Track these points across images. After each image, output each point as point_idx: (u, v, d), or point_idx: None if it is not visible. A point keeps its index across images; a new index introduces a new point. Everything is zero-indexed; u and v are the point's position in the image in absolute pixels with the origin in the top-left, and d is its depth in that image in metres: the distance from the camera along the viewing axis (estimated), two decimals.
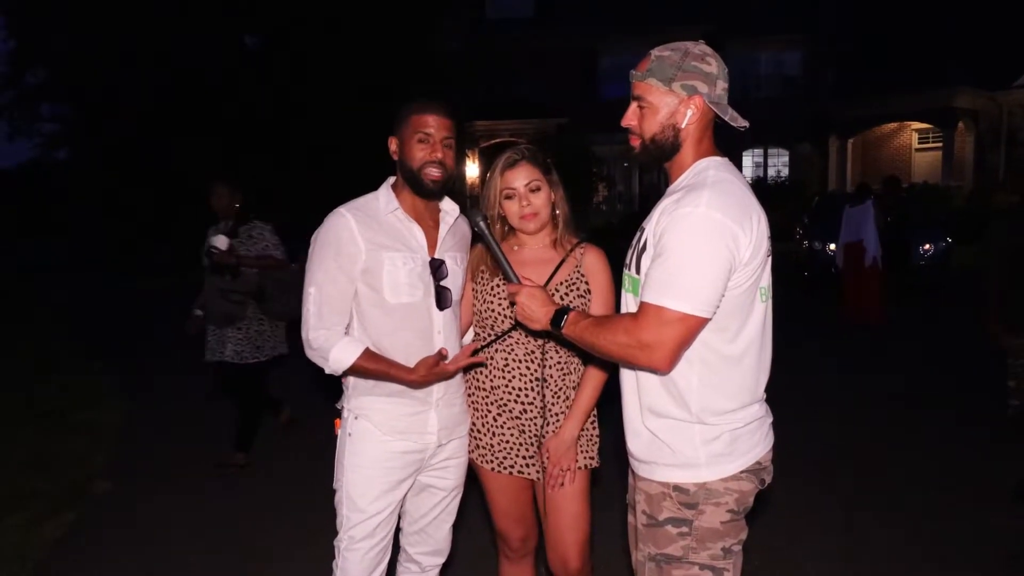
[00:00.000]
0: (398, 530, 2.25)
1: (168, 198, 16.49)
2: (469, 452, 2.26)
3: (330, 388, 2.28)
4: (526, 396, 2.18)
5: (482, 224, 1.97)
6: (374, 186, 2.15)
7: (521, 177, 2.16)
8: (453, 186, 2.17)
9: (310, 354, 2.05)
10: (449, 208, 2.19)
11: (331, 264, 2.01)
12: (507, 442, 2.21)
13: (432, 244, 2.12)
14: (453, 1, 20.09)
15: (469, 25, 21.43)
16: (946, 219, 12.56)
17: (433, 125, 2.03)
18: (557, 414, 2.19)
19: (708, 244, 1.52)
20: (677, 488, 1.66)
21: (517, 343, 2.17)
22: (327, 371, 2.04)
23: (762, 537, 3.01)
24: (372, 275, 2.02)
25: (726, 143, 1.68)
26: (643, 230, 1.69)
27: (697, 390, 1.63)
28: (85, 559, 3.42)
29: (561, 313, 1.73)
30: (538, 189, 2.17)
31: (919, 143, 21.58)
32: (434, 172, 2.04)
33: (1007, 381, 4.50)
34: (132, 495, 4.15)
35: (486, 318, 2.21)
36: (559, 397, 2.20)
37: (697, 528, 1.65)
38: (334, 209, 2.07)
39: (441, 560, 2.34)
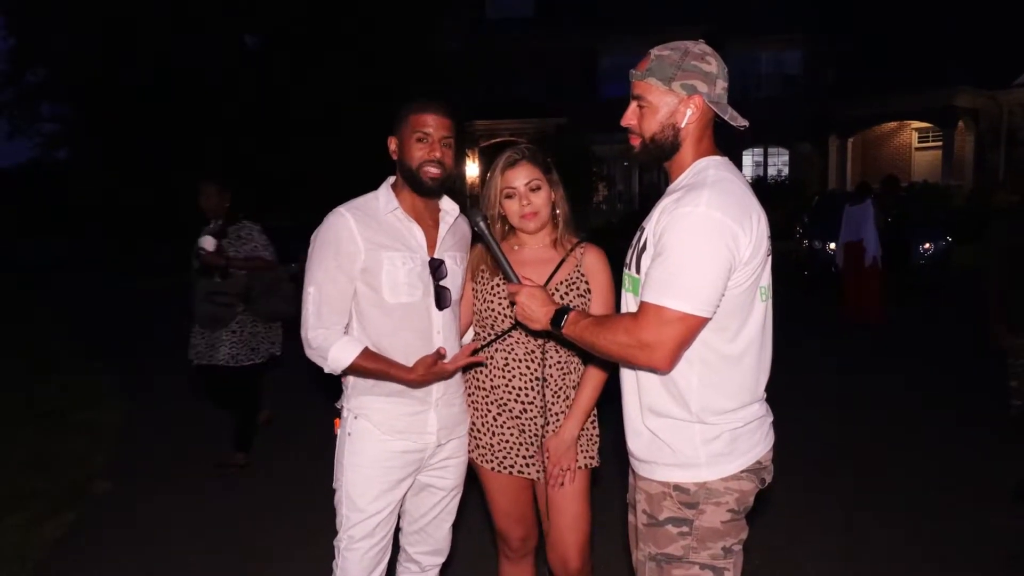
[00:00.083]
0: (398, 530, 2.24)
1: (168, 198, 16.50)
2: (469, 452, 2.26)
3: (330, 388, 2.28)
4: (526, 396, 2.18)
5: (482, 224, 1.97)
6: (374, 186, 2.15)
7: (521, 176, 2.16)
8: (453, 185, 2.17)
9: (309, 353, 2.05)
10: (449, 208, 2.18)
11: (331, 263, 2.01)
12: (507, 442, 2.21)
13: (432, 244, 2.11)
14: (453, 1, 20.10)
15: (469, 25, 21.45)
16: (946, 218, 12.57)
17: (432, 124, 2.03)
18: (557, 414, 2.19)
19: (708, 243, 1.51)
20: (677, 488, 1.66)
21: (517, 343, 2.17)
22: (326, 370, 2.04)
23: (762, 537, 3.01)
24: (371, 275, 2.02)
25: (726, 142, 1.67)
26: (643, 229, 1.69)
27: (697, 390, 1.63)
28: (85, 559, 3.42)
29: (561, 313, 1.73)
30: (538, 188, 2.17)
31: (919, 142, 21.60)
32: (433, 171, 2.04)
33: (1008, 381, 4.50)
34: (132, 495, 4.15)
35: (486, 317, 2.21)
36: (559, 397, 2.20)
37: (697, 528, 1.65)
38: (334, 209, 2.07)
39: (441, 560, 2.34)
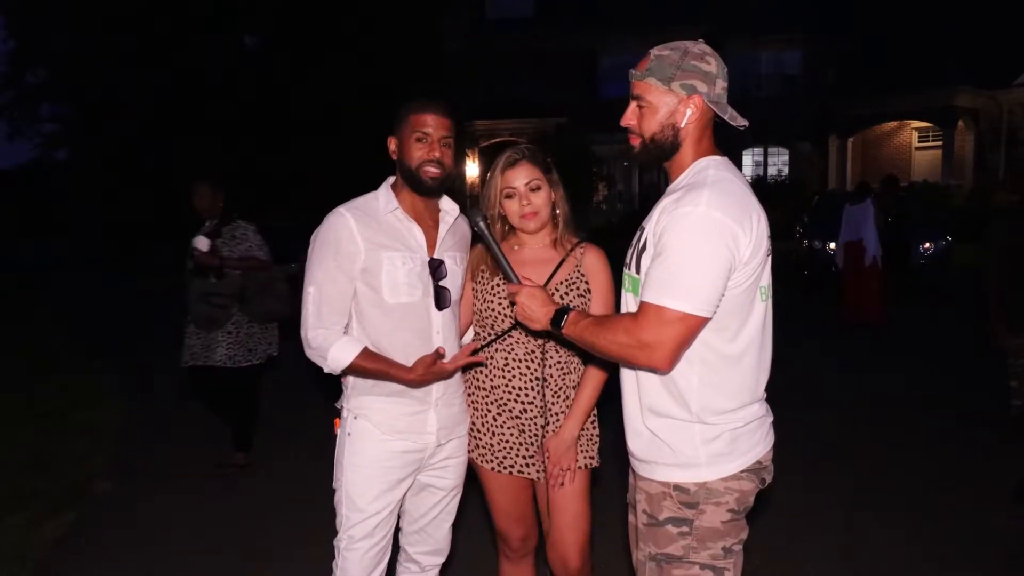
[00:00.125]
0: (398, 530, 2.25)
1: (168, 198, 16.49)
2: (469, 452, 2.26)
3: (330, 388, 2.28)
4: (526, 396, 2.18)
5: (482, 224, 1.97)
6: (374, 186, 2.15)
7: (521, 176, 2.16)
8: (453, 185, 2.17)
9: (309, 353, 2.05)
10: (449, 208, 2.18)
11: (330, 263, 2.01)
12: (507, 442, 2.21)
13: (431, 244, 2.11)
14: (453, 1, 20.10)
15: (469, 25, 21.46)
16: (946, 218, 12.56)
17: (431, 124, 2.03)
18: (557, 414, 2.19)
19: (708, 243, 1.51)
20: (677, 488, 1.66)
21: (517, 342, 2.17)
22: (326, 370, 2.04)
23: (762, 537, 3.01)
24: (371, 275, 2.02)
25: (726, 142, 1.67)
26: (643, 229, 1.69)
27: (697, 390, 1.63)
28: (85, 559, 3.42)
29: (561, 313, 1.73)
30: (538, 188, 2.17)
31: (919, 142, 21.60)
32: (432, 171, 2.04)
33: (1009, 381, 4.50)
34: (132, 495, 4.15)
35: (486, 317, 2.21)
36: (559, 397, 2.20)
37: (698, 528, 1.65)
38: (334, 209, 2.07)
39: (441, 560, 2.34)
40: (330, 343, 2.00)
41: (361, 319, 2.07)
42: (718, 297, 1.55)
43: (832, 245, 9.68)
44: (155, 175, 17.08)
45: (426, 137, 2.04)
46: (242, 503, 4.01)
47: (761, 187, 17.94)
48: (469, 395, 2.26)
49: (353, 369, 2.01)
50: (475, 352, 2.16)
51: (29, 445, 5.03)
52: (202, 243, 4.11)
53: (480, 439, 2.24)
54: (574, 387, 2.21)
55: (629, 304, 1.73)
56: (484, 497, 2.32)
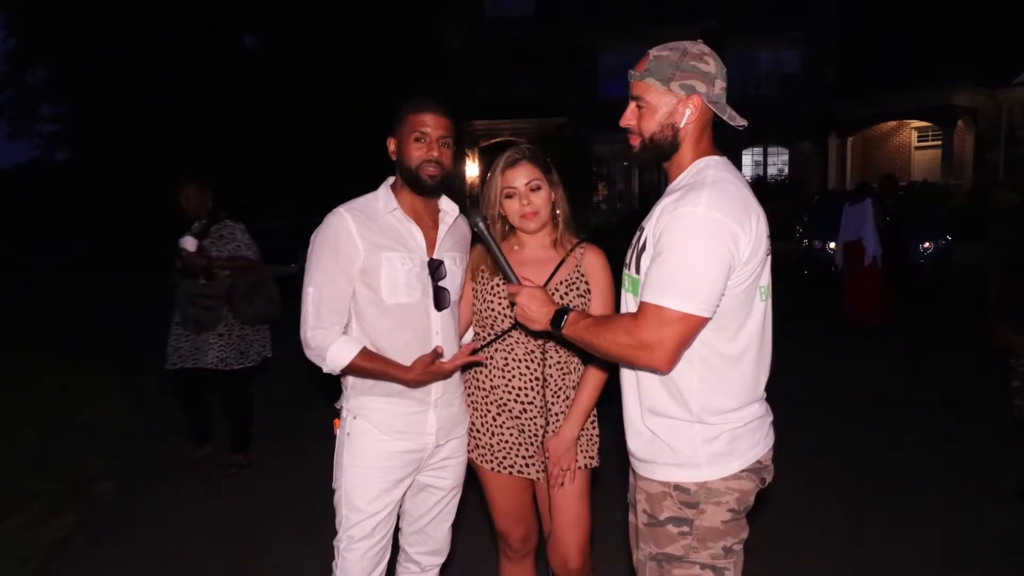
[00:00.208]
0: (397, 530, 2.25)
1: (168, 198, 16.50)
2: (469, 452, 2.26)
3: (329, 388, 2.28)
4: (526, 396, 2.18)
5: (481, 224, 1.97)
6: (374, 186, 2.15)
7: (522, 176, 2.16)
8: (452, 185, 2.17)
9: (308, 353, 2.05)
10: (448, 208, 2.18)
11: (330, 264, 2.01)
12: (507, 442, 2.21)
13: (431, 244, 2.12)
14: (453, 1, 20.10)
15: (469, 25, 21.44)
16: (946, 217, 12.55)
17: (430, 124, 2.04)
18: (557, 414, 2.19)
19: (708, 243, 1.51)
20: (678, 487, 1.66)
21: (517, 343, 2.17)
22: (325, 370, 2.04)
23: (762, 537, 3.01)
24: (370, 275, 2.02)
25: (725, 142, 1.68)
26: (643, 229, 1.69)
27: (697, 389, 1.63)
28: (85, 559, 3.42)
29: (561, 313, 1.73)
30: (538, 188, 2.17)
31: (919, 141, 21.60)
32: (431, 170, 2.04)
33: (1010, 381, 4.49)
34: (132, 496, 4.15)
35: (486, 317, 2.21)
36: (559, 397, 2.20)
37: (698, 527, 1.65)
38: (333, 209, 2.07)
39: (440, 560, 2.34)
40: (329, 343, 2.00)
41: (360, 319, 2.07)
42: (718, 297, 1.55)
43: (832, 245, 9.67)
44: (155, 175, 17.08)
45: (425, 137, 2.04)
46: (242, 503, 4.01)
47: (761, 187, 17.96)
48: (469, 395, 2.26)
49: (352, 369, 2.01)
50: (475, 352, 2.17)
51: (29, 445, 5.03)
52: (189, 243, 4.06)
53: (480, 439, 2.24)
54: (574, 387, 2.21)
55: (629, 304, 1.73)
56: (484, 497, 2.32)
